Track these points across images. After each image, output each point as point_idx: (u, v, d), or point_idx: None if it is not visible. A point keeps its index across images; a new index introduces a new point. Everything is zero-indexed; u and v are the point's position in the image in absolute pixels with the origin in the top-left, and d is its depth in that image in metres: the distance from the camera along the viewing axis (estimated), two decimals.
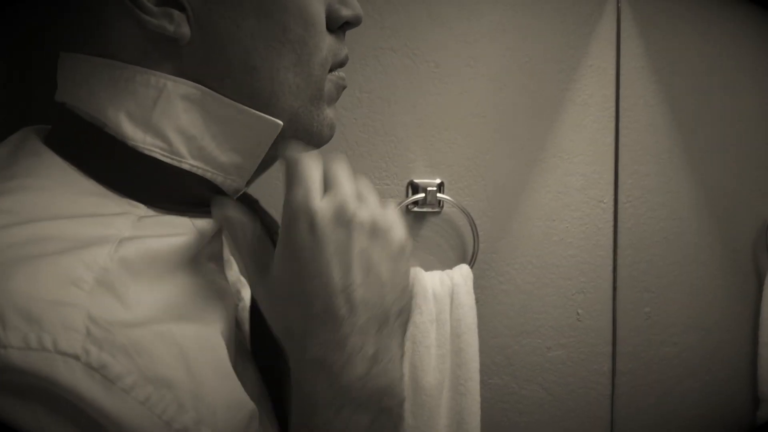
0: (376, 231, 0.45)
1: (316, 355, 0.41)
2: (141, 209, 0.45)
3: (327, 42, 0.52)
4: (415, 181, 1.17)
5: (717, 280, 1.30)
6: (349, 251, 0.42)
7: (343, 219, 0.44)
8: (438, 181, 1.18)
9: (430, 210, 1.18)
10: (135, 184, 0.45)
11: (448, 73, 1.18)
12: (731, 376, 1.31)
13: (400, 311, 0.44)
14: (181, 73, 0.47)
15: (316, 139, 0.54)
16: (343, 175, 0.46)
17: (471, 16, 1.19)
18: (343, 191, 0.46)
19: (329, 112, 0.54)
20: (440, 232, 1.19)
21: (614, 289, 1.27)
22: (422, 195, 1.16)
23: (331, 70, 0.54)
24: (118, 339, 0.36)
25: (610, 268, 1.27)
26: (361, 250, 0.43)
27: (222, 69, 0.47)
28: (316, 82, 0.52)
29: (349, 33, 1.23)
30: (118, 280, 0.39)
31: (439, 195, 1.17)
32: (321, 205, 0.44)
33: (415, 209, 1.17)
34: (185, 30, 0.45)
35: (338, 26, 0.54)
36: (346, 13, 0.53)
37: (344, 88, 0.56)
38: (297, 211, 0.43)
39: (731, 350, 1.31)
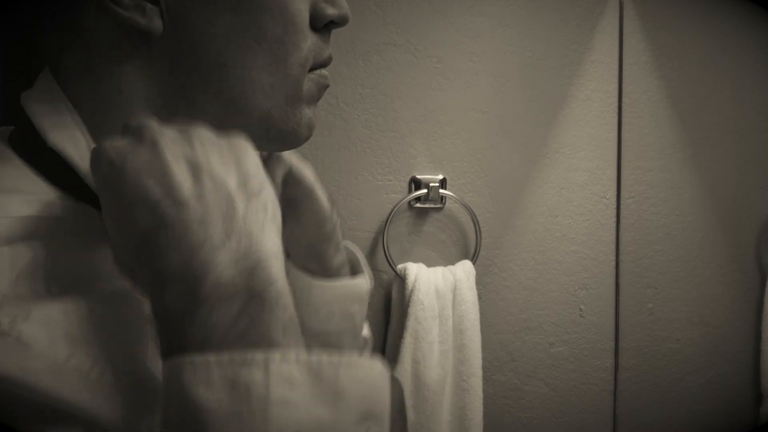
0: (184, 133, 0.41)
1: (158, 268, 0.37)
2: (57, 198, 0.45)
3: (309, 41, 0.50)
4: (418, 177, 1.17)
5: (720, 276, 1.30)
6: (157, 155, 0.39)
7: (145, 136, 0.40)
8: (440, 177, 1.18)
9: (432, 206, 1.18)
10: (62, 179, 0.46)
11: (450, 68, 1.18)
12: (734, 371, 1.31)
13: (252, 194, 0.40)
14: (152, 66, 0.46)
15: (291, 139, 0.52)
16: None
17: (473, 12, 1.18)
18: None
19: (308, 112, 0.52)
20: (443, 228, 1.19)
21: (617, 285, 1.27)
22: (425, 191, 1.16)
23: (312, 70, 0.52)
24: None
25: (613, 264, 1.27)
26: (172, 152, 0.39)
27: (191, 65, 0.46)
28: (293, 82, 0.50)
29: (351, 29, 1.22)
30: None
31: (441, 191, 1.17)
32: (113, 141, 0.40)
33: (418, 205, 1.17)
34: (157, 23, 0.45)
35: (323, 25, 0.52)
36: (331, 12, 0.52)
37: (326, 87, 0.54)
38: (94, 153, 0.41)
39: (734, 346, 1.31)
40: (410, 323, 1.10)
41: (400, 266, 1.14)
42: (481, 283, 1.18)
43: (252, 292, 0.37)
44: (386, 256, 1.14)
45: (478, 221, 1.18)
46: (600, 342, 1.27)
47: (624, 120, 1.26)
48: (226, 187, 0.39)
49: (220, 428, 0.33)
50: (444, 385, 1.12)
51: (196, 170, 0.39)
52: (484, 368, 1.16)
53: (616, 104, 1.26)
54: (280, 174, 0.56)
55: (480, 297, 1.17)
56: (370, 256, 1.16)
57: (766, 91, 1.30)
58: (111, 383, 0.38)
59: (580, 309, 1.26)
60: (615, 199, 1.27)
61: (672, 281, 1.28)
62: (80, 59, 0.47)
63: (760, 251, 1.30)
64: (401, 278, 1.13)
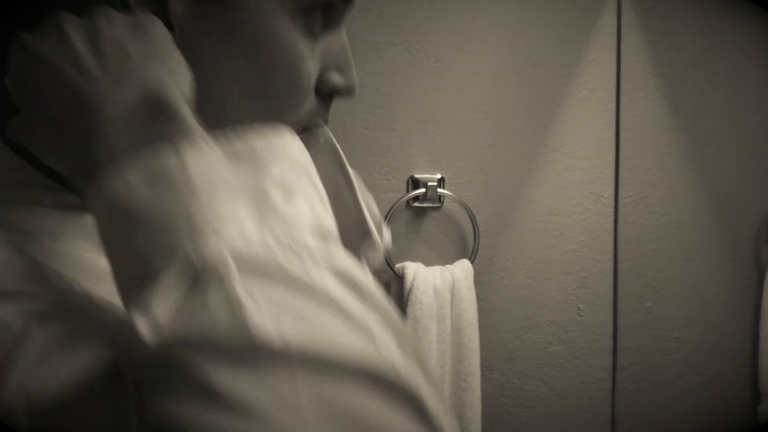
0: (90, 14, 0.41)
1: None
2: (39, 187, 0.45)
3: (309, 103, 0.50)
4: (416, 176, 1.17)
5: (718, 275, 1.30)
6: (63, 36, 0.39)
7: (48, 23, 0.40)
8: (438, 176, 1.18)
9: (430, 205, 1.18)
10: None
11: (448, 67, 1.18)
12: (732, 370, 1.31)
13: (152, 54, 0.40)
14: None
15: None
16: None
17: (472, 11, 1.18)
18: None
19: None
20: (441, 227, 1.19)
21: (615, 284, 1.27)
22: (423, 190, 1.16)
23: (304, 131, 0.51)
24: None
25: (611, 262, 1.27)
26: (76, 31, 0.39)
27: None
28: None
29: (349, 28, 1.23)
30: None
31: (439, 190, 1.17)
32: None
33: (416, 204, 1.17)
34: None
35: (326, 92, 0.51)
36: (338, 82, 0.51)
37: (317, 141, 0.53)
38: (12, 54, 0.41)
39: (732, 344, 1.31)
40: (409, 322, 1.10)
41: (398, 265, 1.14)
42: (479, 282, 1.18)
43: (152, 112, 0.37)
44: (385, 256, 1.14)
45: (476, 220, 1.18)
46: (598, 341, 1.27)
47: (622, 119, 1.26)
48: (127, 53, 0.39)
49: (153, 220, 0.33)
50: (442, 384, 1.12)
51: (97, 41, 0.39)
52: (483, 367, 1.16)
53: (614, 103, 1.26)
54: None
55: (478, 296, 1.17)
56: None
57: (764, 89, 1.30)
58: None
59: (579, 308, 1.26)
60: (613, 198, 1.27)
61: (670, 280, 1.28)
62: None
63: (758, 249, 1.30)
64: (399, 277, 1.13)
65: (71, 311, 0.38)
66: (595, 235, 1.26)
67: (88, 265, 0.41)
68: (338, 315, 0.32)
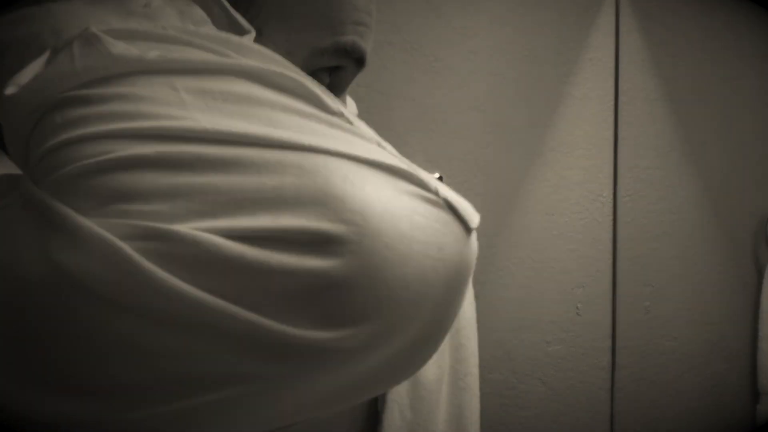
0: None
1: None
2: None
3: None
4: None
5: (717, 274, 1.30)
6: None
7: None
8: (437, 175, 1.18)
9: None
10: None
11: (446, 67, 1.18)
12: (731, 369, 1.31)
13: None
14: None
15: None
16: None
17: (470, 10, 1.18)
18: None
19: None
20: None
21: (614, 283, 1.27)
22: None
23: None
24: None
25: (610, 262, 1.27)
26: None
27: None
28: None
29: None
30: None
31: None
32: None
33: None
34: None
35: None
36: None
37: None
38: None
39: (731, 344, 1.31)
40: None
41: None
42: (477, 281, 1.18)
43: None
44: None
45: None
46: (597, 340, 1.27)
47: (620, 118, 1.26)
48: None
49: (18, 52, 0.33)
50: (441, 384, 1.12)
51: None
52: (481, 367, 1.16)
53: (612, 102, 1.26)
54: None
55: (477, 296, 1.17)
56: None
57: (763, 88, 1.30)
58: None
59: (577, 307, 1.26)
60: (612, 197, 1.27)
61: (669, 279, 1.28)
62: None
63: (756, 249, 1.30)
64: None
65: None
66: (594, 234, 1.26)
67: None
68: (203, 50, 0.32)
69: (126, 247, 0.26)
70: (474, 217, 0.33)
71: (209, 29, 0.34)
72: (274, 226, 0.27)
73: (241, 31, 0.41)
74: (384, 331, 0.29)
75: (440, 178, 1.18)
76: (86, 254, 0.26)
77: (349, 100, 0.56)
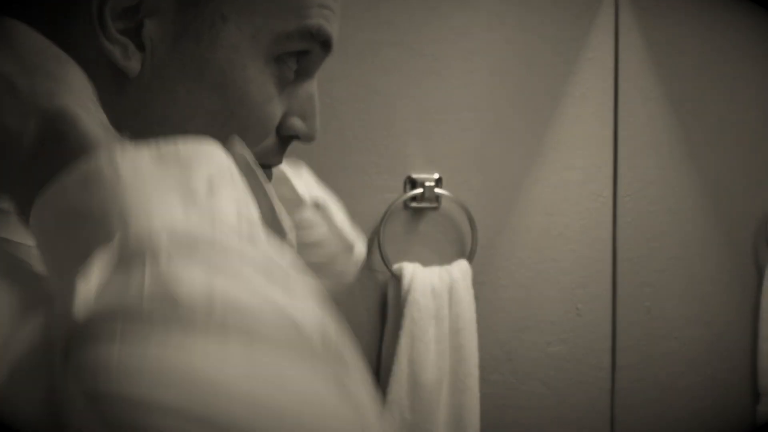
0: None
1: None
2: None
3: (269, 142, 0.51)
4: (413, 176, 1.16)
5: (717, 274, 1.30)
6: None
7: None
8: (436, 176, 1.17)
9: (428, 205, 1.17)
10: None
11: (445, 67, 1.17)
12: (731, 369, 1.31)
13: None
14: (120, 100, 0.46)
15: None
16: None
17: (469, 10, 1.18)
18: None
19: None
20: (438, 227, 1.19)
21: (614, 283, 1.27)
22: (420, 190, 1.16)
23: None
24: None
25: (610, 262, 1.27)
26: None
27: (156, 118, 0.47)
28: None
29: (345, 27, 1.22)
30: None
31: (437, 190, 1.17)
32: None
33: (414, 205, 1.17)
34: (134, 66, 0.45)
35: (286, 135, 0.52)
36: (299, 128, 0.52)
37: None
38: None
39: (731, 344, 1.30)
40: (406, 323, 1.10)
41: (395, 266, 1.14)
42: (477, 282, 1.18)
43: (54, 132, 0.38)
44: (382, 256, 1.13)
45: (474, 220, 1.18)
46: (597, 341, 1.27)
47: (620, 118, 1.26)
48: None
49: (87, 216, 0.34)
50: (441, 385, 1.12)
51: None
52: (481, 368, 1.16)
53: (612, 102, 1.26)
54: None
55: (476, 296, 1.17)
56: (366, 255, 1.15)
57: (763, 87, 1.30)
58: None
59: (577, 308, 1.25)
60: (611, 197, 1.26)
61: (669, 279, 1.28)
62: None
63: (757, 248, 1.30)
64: (397, 278, 1.13)
65: (20, 281, 0.38)
66: (594, 234, 1.26)
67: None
68: (261, 283, 0.33)
69: None
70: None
71: (263, 245, 0.36)
72: None
73: (281, 232, 0.45)
74: None
75: (439, 179, 1.17)
76: None
77: (305, 171, 0.59)
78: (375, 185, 1.15)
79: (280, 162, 0.54)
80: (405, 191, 1.17)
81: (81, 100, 0.40)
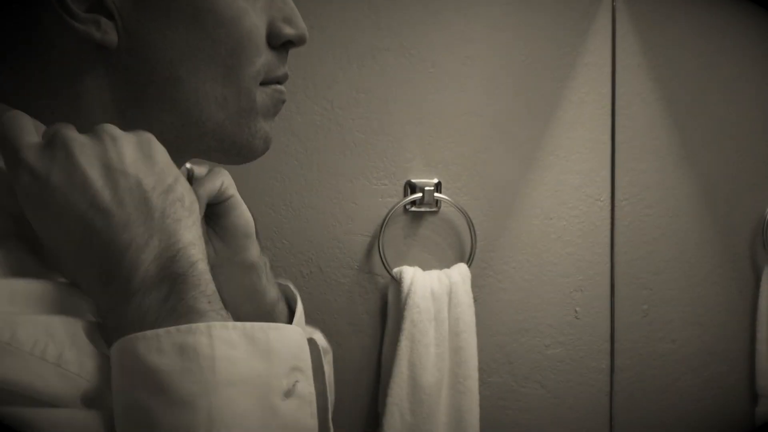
0: (97, 137, 0.43)
1: (90, 271, 0.41)
2: None
3: (263, 58, 0.52)
4: (413, 180, 1.17)
5: (715, 277, 1.30)
6: (75, 167, 0.41)
7: (57, 144, 0.42)
8: (435, 180, 1.18)
9: (427, 209, 1.18)
10: None
11: (444, 72, 1.18)
12: (729, 371, 1.31)
13: (167, 190, 0.43)
14: (109, 76, 0.47)
15: (245, 151, 0.53)
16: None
17: (467, 16, 1.19)
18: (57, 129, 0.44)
19: (263, 125, 0.53)
20: (438, 231, 1.19)
21: (612, 286, 1.27)
22: (420, 194, 1.16)
23: (267, 84, 0.53)
24: None
25: (608, 265, 1.27)
26: (88, 160, 0.42)
27: (146, 77, 0.48)
28: (246, 95, 0.51)
29: (345, 33, 1.23)
30: None
31: (436, 194, 1.17)
32: (32, 153, 0.42)
33: (413, 209, 1.17)
34: (112, 37, 0.46)
35: (280, 44, 0.53)
36: (288, 31, 0.53)
37: (282, 101, 0.55)
38: (13, 165, 0.42)
39: (729, 346, 1.31)
40: (406, 326, 1.10)
41: (395, 269, 1.15)
42: (476, 285, 1.18)
43: (176, 275, 0.41)
44: (382, 260, 1.14)
45: (473, 224, 1.18)
46: (596, 343, 1.27)
47: (617, 122, 1.26)
48: (143, 188, 0.42)
49: (175, 387, 0.37)
50: (440, 388, 1.13)
51: (111, 174, 0.42)
52: (481, 370, 1.17)
53: (609, 106, 1.26)
54: (209, 188, 0.58)
55: (476, 299, 1.17)
56: (366, 259, 1.16)
57: (760, 91, 1.31)
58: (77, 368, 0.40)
59: (576, 311, 1.26)
60: (609, 200, 1.27)
61: (667, 282, 1.29)
62: (38, 68, 0.47)
63: (754, 251, 1.31)
64: (397, 281, 1.13)
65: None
66: (592, 237, 1.26)
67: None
68: None
69: None
70: None
71: None
72: None
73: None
74: None
75: (438, 183, 1.18)
76: None
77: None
78: (375, 190, 1.16)
79: (285, 75, 0.55)
80: (405, 195, 1.17)
81: (203, 247, 0.43)
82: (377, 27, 1.15)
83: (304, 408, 0.41)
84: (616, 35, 1.25)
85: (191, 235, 0.43)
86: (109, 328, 0.41)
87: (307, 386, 0.42)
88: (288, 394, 0.40)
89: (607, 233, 1.27)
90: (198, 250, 0.42)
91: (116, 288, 0.40)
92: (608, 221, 1.27)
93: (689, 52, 1.28)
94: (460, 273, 1.15)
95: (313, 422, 0.42)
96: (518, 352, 1.24)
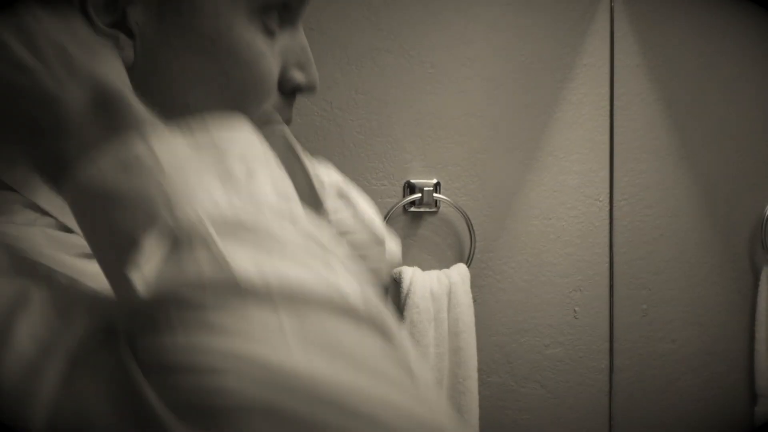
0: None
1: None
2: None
3: (272, 101, 0.51)
4: (412, 181, 1.18)
5: (713, 276, 1.30)
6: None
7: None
8: (434, 181, 1.19)
9: (427, 210, 1.18)
10: None
11: (443, 73, 1.19)
12: (729, 371, 1.31)
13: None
14: None
15: None
16: None
17: (466, 17, 1.19)
18: None
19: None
20: (437, 231, 1.20)
21: (611, 286, 1.27)
22: (419, 195, 1.17)
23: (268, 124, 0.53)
24: None
25: (607, 265, 1.27)
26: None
27: (157, 98, 0.47)
28: None
29: (345, 34, 1.23)
30: None
31: (435, 195, 1.18)
32: None
33: (412, 209, 1.18)
34: (128, 54, 0.46)
35: (289, 89, 0.53)
36: (300, 79, 0.53)
37: (284, 138, 0.55)
38: None
39: (728, 346, 1.31)
40: (406, 326, 1.10)
41: (395, 270, 1.15)
42: (476, 285, 1.19)
43: (106, 107, 0.39)
44: None
45: (472, 224, 1.18)
46: (595, 343, 1.27)
47: (616, 122, 1.27)
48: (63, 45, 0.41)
49: (129, 199, 0.35)
50: (440, 388, 1.13)
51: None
52: (480, 370, 1.17)
53: (608, 107, 1.26)
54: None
55: (475, 300, 1.18)
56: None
57: (758, 91, 1.31)
58: None
59: (575, 311, 1.26)
60: (608, 201, 1.27)
61: (666, 282, 1.29)
62: None
63: (753, 251, 1.31)
64: (396, 282, 1.14)
65: (60, 282, 0.39)
66: (591, 238, 1.26)
67: (64, 241, 0.43)
68: (305, 258, 0.35)
69: None
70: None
71: (302, 220, 0.38)
72: None
73: (317, 205, 0.45)
74: None
75: (438, 184, 1.19)
76: None
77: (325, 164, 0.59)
78: (374, 190, 1.16)
79: (289, 119, 0.54)
80: (404, 196, 1.18)
81: (124, 80, 0.41)
82: (376, 28, 1.15)
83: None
84: (615, 36, 1.26)
85: (109, 72, 0.42)
86: (53, 182, 0.39)
87: (269, 165, 0.39)
88: (248, 171, 0.38)
89: (606, 233, 1.27)
90: (128, 91, 0.41)
91: (55, 137, 0.39)
92: (607, 221, 1.27)
93: (688, 52, 1.28)
94: (459, 273, 1.16)
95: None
96: (518, 353, 1.24)
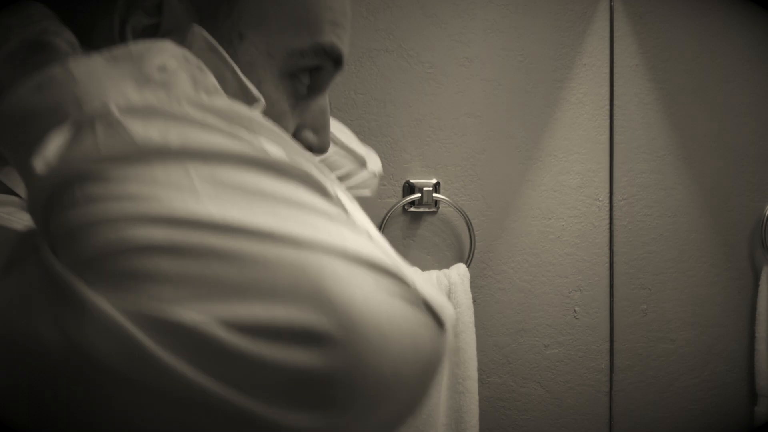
0: None
1: None
2: None
3: None
4: (412, 181, 1.18)
5: (713, 276, 1.30)
6: None
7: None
8: (434, 181, 1.19)
9: (426, 210, 1.18)
10: None
11: (442, 73, 1.19)
12: (728, 371, 1.31)
13: None
14: None
15: None
16: None
17: (465, 17, 1.19)
18: None
19: None
20: (437, 231, 1.20)
21: (611, 286, 1.28)
22: (418, 195, 1.17)
23: None
24: None
25: (607, 265, 1.27)
26: None
27: None
28: None
29: None
30: None
31: (435, 195, 1.18)
32: None
33: (412, 209, 1.18)
34: None
35: None
36: (311, 141, 0.53)
37: None
38: None
39: (728, 345, 1.31)
40: None
41: None
42: (475, 285, 1.19)
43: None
44: None
45: (471, 225, 1.19)
46: (595, 343, 1.27)
47: (616, 122, 1.27)
48: None
49: (44, 112, 0.35)
50: (440, 388, 1.13)
51: None
52: (480, 371, 1.17)
53: (607, 107, 1.26)
54: None
55: (475, 300, 1.18)
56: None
57: (757, 91, 1.31)
58: None
59: (575, 311, 1.26)
60: (608, 201, 1.27)
61: (666, 282, 1.29)
62: None
63: (752, 251, 1.31)
64: None
65: None
66: (591, 238, 1.26)
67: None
68: (216, 132, 0.34)
69: (134, 329, 0.29)
70: (448, 315, 0.36)
71: (221, 101, 0.36)
72: (267, 319, 0.29)
73: (251, 100, 0.44)
74: (359, 416, 0.31)
75: (437, 184, 1.18)
76: (98, 332, 0.29)
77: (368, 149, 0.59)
78: None
79: None
80: (403, 196, 1.18)
81: (53, 24, 0.41)
82: (375, 28, 1.15)
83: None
84: (614, 36, 1.26)
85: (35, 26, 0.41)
86: None
87: (188, 64, 0.38)
88: (167, 71, 0.37)
89: (606, 233, 1.27)
90: (56, 37, 0.41)
91: None
92: (607, 221, 1.27)
93: (687, 52, 1.28)
94: (458, 273, 1.16)
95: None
96: (517, 353, 1.24)
